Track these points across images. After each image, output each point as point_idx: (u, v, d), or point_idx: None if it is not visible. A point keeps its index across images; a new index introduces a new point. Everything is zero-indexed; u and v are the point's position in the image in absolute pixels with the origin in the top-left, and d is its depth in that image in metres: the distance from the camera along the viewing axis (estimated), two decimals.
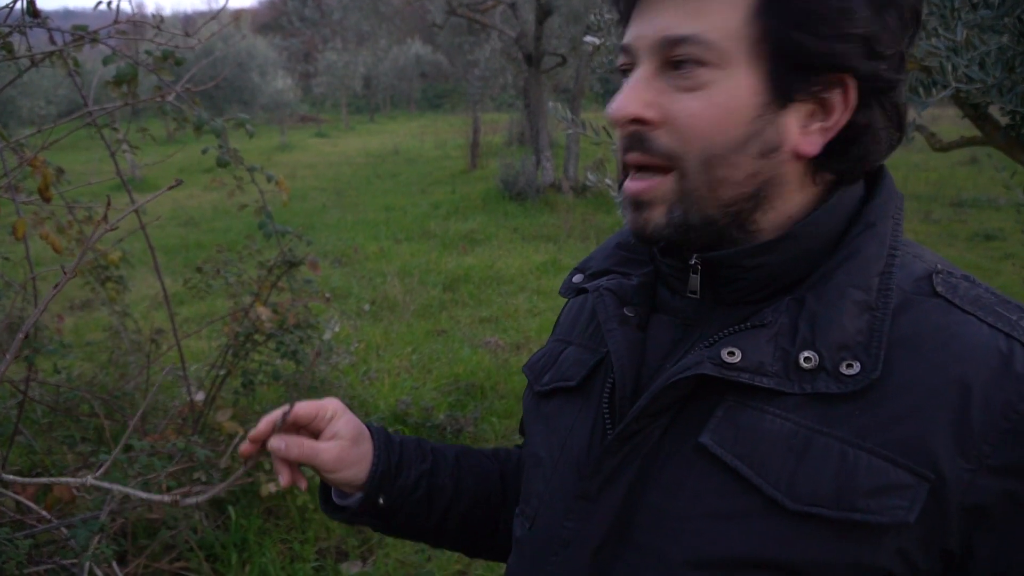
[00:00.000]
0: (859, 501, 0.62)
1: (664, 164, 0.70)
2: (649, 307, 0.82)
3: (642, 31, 0.71)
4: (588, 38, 2.48)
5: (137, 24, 2.52)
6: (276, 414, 0.86)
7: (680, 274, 0.78)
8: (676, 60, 0.68)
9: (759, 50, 0.67)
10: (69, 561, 2.05)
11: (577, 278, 0.91)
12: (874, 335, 0.66)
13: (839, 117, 0.70)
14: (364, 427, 0.94)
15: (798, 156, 0.71)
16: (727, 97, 0.68)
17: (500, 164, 12.16)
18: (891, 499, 0.62)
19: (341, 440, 0.89)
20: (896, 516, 0.62)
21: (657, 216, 0.72)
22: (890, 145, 0.73)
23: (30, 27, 2.44)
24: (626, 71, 0.73)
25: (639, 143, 0.71)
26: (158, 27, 2.52)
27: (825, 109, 0.70)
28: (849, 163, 0.72)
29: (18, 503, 2.40)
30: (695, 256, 0.75)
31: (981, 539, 0.63)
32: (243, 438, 0.87)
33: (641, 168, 0.73)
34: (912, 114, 2.16)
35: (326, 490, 0.98)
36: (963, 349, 0.65)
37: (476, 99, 15.65)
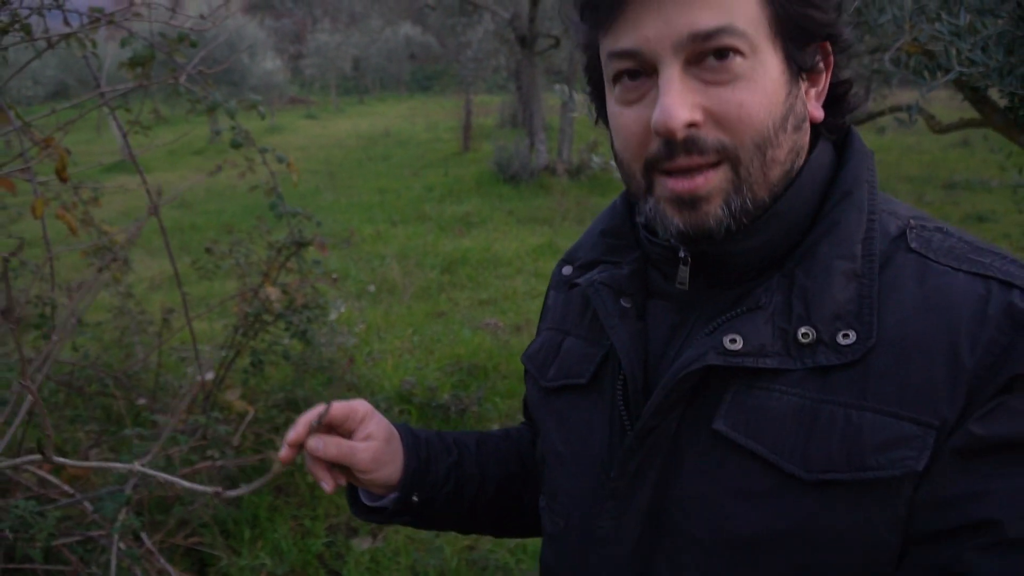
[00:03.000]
0: (868, 459, 0.64)
1: (716, 159, 0.70)
2: (644, 293, 0.83)
3: (655, 31, 0.68)
4: None
5: (151, 6, 2.54)
6: (312, 415, 0.87)
7: (669, 262, 0.80)
8: (709, 52, 0.68)
9: (774, 31, 0.69)
10: (98, 533, 2.10)
11: (566, 270, 0.93)
12: (863, 302, 0.69)
13: (825, 80, 0.75)
14: (393, 427, 0.95)
15: (812, 122, 0.75)
16: (765, 81, 0.69)
17: (494, 146, 12.16)
18: (899, 451, 0.64)
19: (375, 440, 0.91)
20: (906, 467, 0.64)
21: (715, 208, 0.71)
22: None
23: (49, 9, 2.46)
24: (633, 74, 0.71)
25: (692, 145, 0.69)
26: (173, 10, 2.54)
27: (815, 73, 0.75)
28: (842, 120, 0.78)
29: (40, 478, 2.45)
30: (682, 249, 0.77)
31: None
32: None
33: (687, 168, 0.71)
34: (915, 97, 2.21)
35: (354, 493, 0.99)
36: (943, 300, 0.67)
37: (468, 81, 15.61)
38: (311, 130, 21.48)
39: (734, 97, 0.68)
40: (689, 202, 0.71)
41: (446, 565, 2.85)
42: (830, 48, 0.74)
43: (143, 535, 2.17)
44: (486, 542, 3.05)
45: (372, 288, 6.26)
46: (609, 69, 0.74)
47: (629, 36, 0.69)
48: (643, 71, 0.71)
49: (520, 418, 1.17)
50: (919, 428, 0.64)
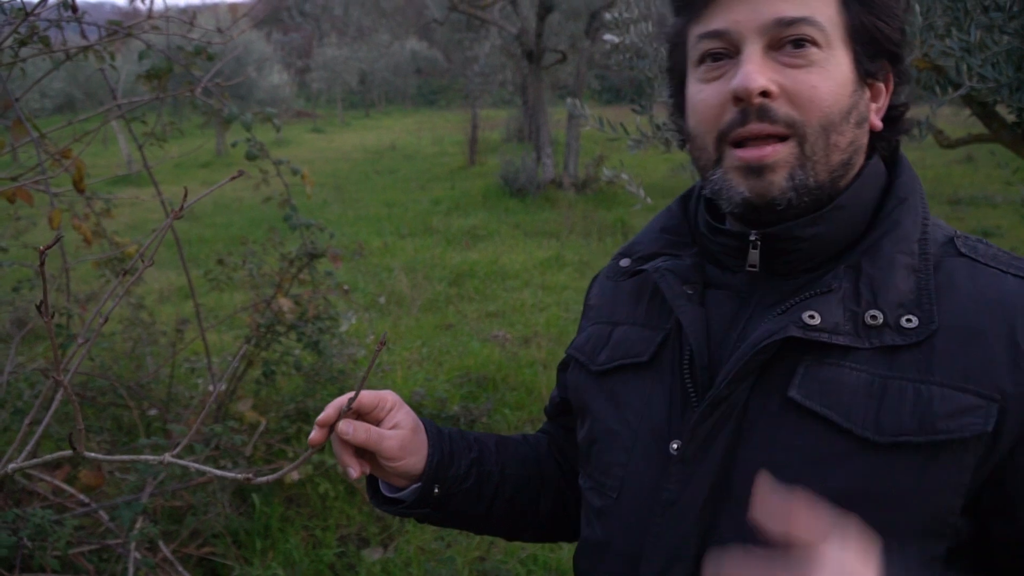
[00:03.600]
0: (940, 423, 0.72)
1: (785, 132, 0.78)
2: (702, 284, 0.89)
3: (744, 15, 0.78)
4: (607, 36, 2.54)
5: (169, 19, 2.57)
6: (342, 400, 0.89)
7: (734, 251, 0.85)
8: (789, 40, 0.77)
9: (848, 34, 0.79)
10: (114, 541, 2.11)
11: (624, 262, 0.97)
12: (922, 292, 0.77)
13: (884, 100, 0.84)
14: (419, 420, 0.98)
15: (871, 130, 0.83)
16: (837, 72, 0.78)
17: (500, 160, 12.20)
18: (967, 418, 0.71)
19: (403, 430, 0.93)
20: (975, 429, 0.71)
21: (780, 179, 0.78)
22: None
23: (67, 22, 2.49)
24: (717, 56, 0.81)
25: (764, 114, 0.77)
26: (191, 23, 2.57)
27: (875, 92, 0.83)
28: (894, 139, 0.86)
29: (56, 487, 2.47)
30: (754, 232, 0.83)
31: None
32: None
33: (757, 138, 0.79)
34: (926, 112, 2.24)
35: (374, 484, 1.01)
36: (996, 294, 0.76)
37: (475, 95, 15.69)
38: (317, 144, 21.59)
39: (808, 79, 0.77)
40: (756, 169, 0.79)
41: (457, 575, 2.86)
42: (891, 69, 0.83)
43: (160, 543, 2.18)
44: (497, 552, 3.05)
45: (383, 299, 6.29)
46: (696, 51, 0.83)
47: (719, 19, 0.79)
48: (727, 53, 0.80)
49: (528, 429, 1.17)
50: (983, 400, 0.72)
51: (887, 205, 0.83)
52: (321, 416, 0.89)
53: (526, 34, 11.58)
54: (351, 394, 0.88)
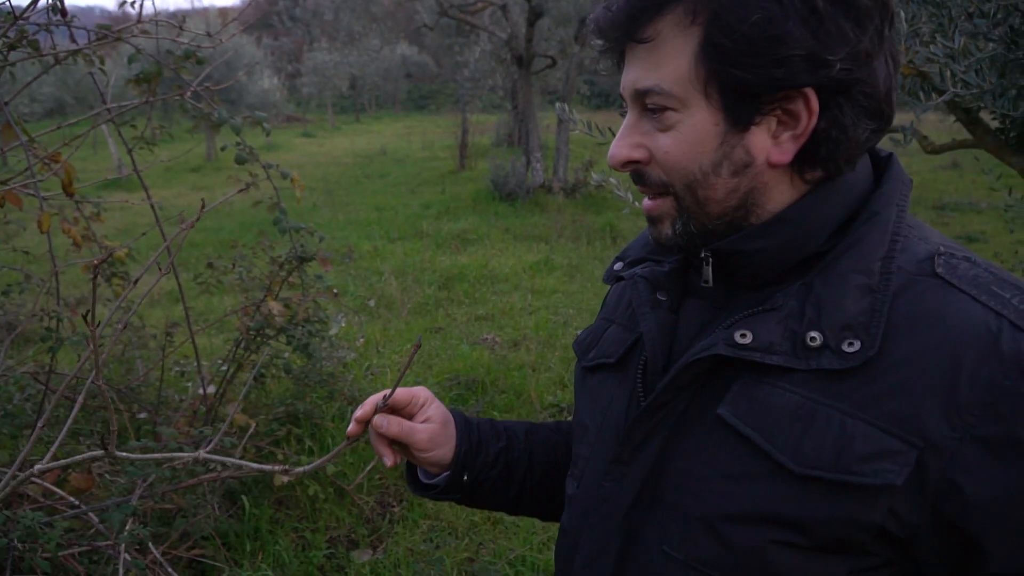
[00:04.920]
0: (855, 465, 0.70)
1: (661, 192, 0.83)
2: (681, 291, 0.91)
3: (624, 82, 0.82)
4: (596, 41, 2.56)
5: (159, 23, 2.58)
6: (377, 397, 0.98)
7: (698, 265, 0.88)
8: (648, 106, 0.80)
9: (708, 88, 0.76)
10: (104, 543, 2.11)
11: (617, 266, 1.01)
12: (874, 316, 0.73)
13: (807, 123, 0.76)
14: (450, 413, 1.06)
15: (773, 165, 0.79)
16: (691, 132, 0.78)
17: (490, 165, 12.22)
18: (883, 463, 0.69)
19: (433, 423, 1.01)
20: (886, 478, 0.69)
21: (666, 229, 0.84)
22: (873, 131, 0.78)
23: (56, 25, 2.50)
24: (623, 112, 0.85)
25: (639, 178, 0.84)
26: (180, 27, 2.58)
27: (792, 117, 0.76)
28: (823, 161, 0.78)
29: (46, 490, 2.46)
30: (703, 250, 0.85)
31: (949, 504, 0.70)
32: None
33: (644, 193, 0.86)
34: (909, 118, 2.26)
35: (412, 472, 1.10)
36: (955, 326, 0.71)
37: (465, 100, 15.72)
38: (308, 148, 21.58)
39: (663, 144, 0.80)
40: (650, 219, 0.87)
41: None
42: (807, 91, 0.74)
43: (150, 545, 2.18)
44: (486, 553, 3.07)
45: (372, 303, 6.29)
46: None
47: (622, 81, 0.83)
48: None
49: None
50: (903, 445, 0.69)
51: (858, 218, 0.79)
52: (358, 412, 0.97)
53: (516, 39, 11.61)
54: (388, 391, 0.98)
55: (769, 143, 0.78)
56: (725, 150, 0.78)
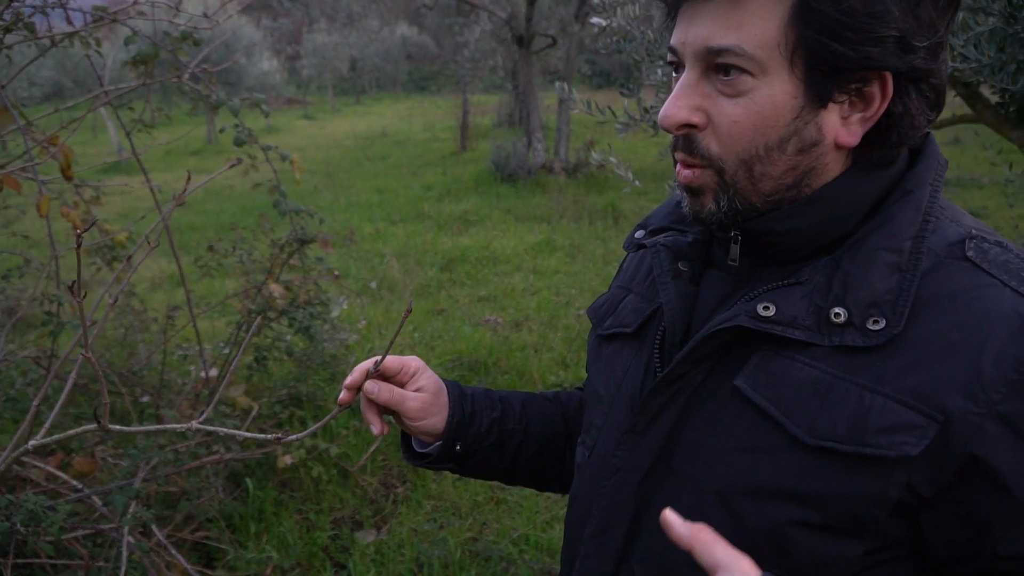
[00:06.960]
0: (870, 438, 0.69)
1: (702, 164, 0.77)
2: (703, 262, 0.89)
3: (687, 37, 0.75)
4: (594, 19, 2.54)
5: (156, 4, 2.57)
6: (368, 363, 0.96)
7: (724, 242, 0.86)
8: (720, 66, 0.73)
9: (795, 57, 0.72)
10: (108, 526, 2.13)
11: (639, 234, 1.00)
12: (901, 294, 0.72)
13: (878, 107, 0.74)
14: (442, 383, 1.04)
15: (839, 147, 0.76)
16: (766, 103, 0.73)
17: (491, 146, 12.19)
18: (899, 436, 0.69)
19: (425, 392, 1.00)
20: (902, 451, 0.68)
21: (709, 203, 0.79)
22: (927, 123, 0.77)
23: (52, 8, 2.49)
24: (677, 67, 0.80)
25: (687, 143, 0.77)
26: (177, 8, 2.57)
27: (864, 100, 0.74)
28: (888, 148, 0.77)
29: (49, 474, 2.48)
30: (733, 228, 0.82)
31: (972, 484, 0.70)
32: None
33: (682, 161, 0.80)
34: None
35: (407, 440, 1.09)
36: (983, 310, 0.70)
37: (465, 81, 15.65)
38: (308, 130, 21.51)
39: (730, 112, 0.74)
40: (689, 191, 0.81)
41: (450, 556, 2.89)
42: (886, 74, 0.72)
43: (153, 527, 2.20)
44: (489, 533, 3.08)
45: (374, 285, 6.30)
46: (666, 57, 0.82)
47: (676, 33, 0.77)
48: (681, 67, 0.78)
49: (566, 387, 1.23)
50: (923, 419, 0.69)
51: (890, 197, 0.78)
52: (348, 379, 0.96)
53: (516, 19, 11.54)
54: (378, 357, 0.96)
55: (839, 123, 0.75)
56: (797, 126, 0.74)
